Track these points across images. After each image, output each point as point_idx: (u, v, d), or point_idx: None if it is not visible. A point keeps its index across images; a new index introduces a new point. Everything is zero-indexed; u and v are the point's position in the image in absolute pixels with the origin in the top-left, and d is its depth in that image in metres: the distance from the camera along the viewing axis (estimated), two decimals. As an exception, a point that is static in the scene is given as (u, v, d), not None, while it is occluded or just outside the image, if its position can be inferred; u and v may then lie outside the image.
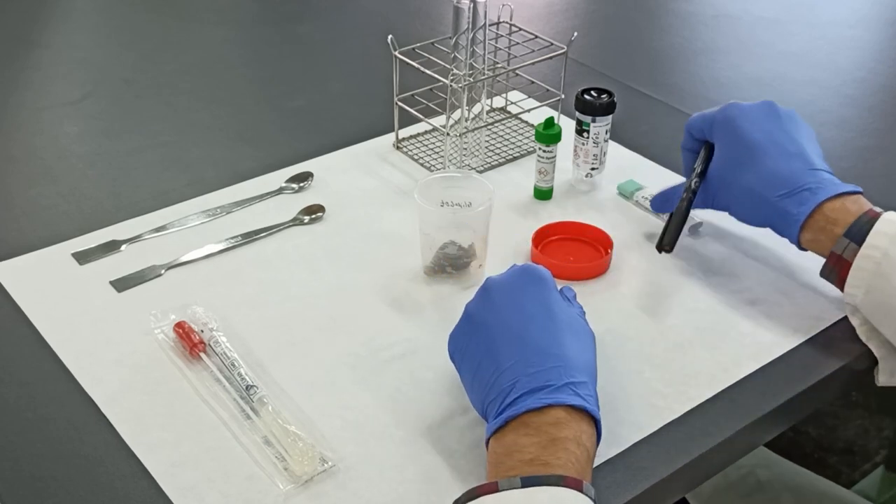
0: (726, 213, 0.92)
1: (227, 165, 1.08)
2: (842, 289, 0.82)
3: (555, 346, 0.69)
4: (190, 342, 0.80)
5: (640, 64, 1.34)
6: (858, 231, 0.80)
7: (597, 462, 0.72)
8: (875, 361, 0.83)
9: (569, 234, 0.95)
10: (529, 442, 0.65)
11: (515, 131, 1.14)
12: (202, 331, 0.81)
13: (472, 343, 0.72)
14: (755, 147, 0.87)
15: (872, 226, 0.80)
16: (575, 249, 0.94)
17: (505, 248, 0.94)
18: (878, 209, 0.82)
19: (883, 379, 0.83)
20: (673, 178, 1.02)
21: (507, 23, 1.11)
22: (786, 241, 0.86)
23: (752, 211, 0.88)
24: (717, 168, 0.89)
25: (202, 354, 0.80)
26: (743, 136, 0.88)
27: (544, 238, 0.94)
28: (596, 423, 0.68)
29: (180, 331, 0.81)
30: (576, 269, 0.90)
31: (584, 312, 0.78)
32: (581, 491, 0.62)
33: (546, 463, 0.63)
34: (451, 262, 0.88)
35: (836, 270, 0.82)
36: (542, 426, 0.65)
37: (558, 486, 0.61)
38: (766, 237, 0.97)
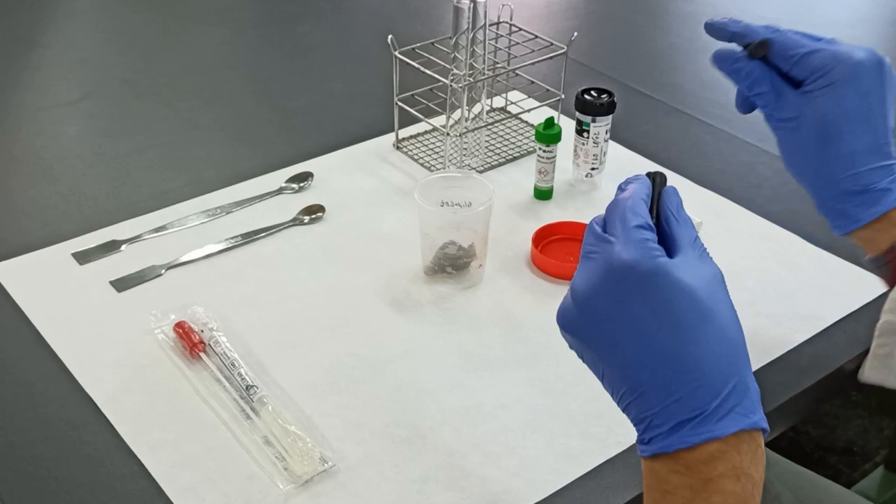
0: (725, 210, 0.90)
1: (227, 165, 1.08)
2: (891, 285, 0.78)
3: (691, 356, 0.57)
4: (190, 342, 0.80)
5: (640, 64, 1.34)
6: None
7: (595, 462, 0.73)
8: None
9: (568, 234, 0.95)
10: (681, 483, 0.57)
11: (515, 131, 1.14)
12: (202, 331, 0.81)
13: (591, 336, 0.60)
14: (853, 114, 0.77)
15: None
16: (575, 249, 0.94)
17: (505, 249, 0.94)
18: None
19: (867, 375, 0.80)
20: (673, 178, 1.01)
21: (507, 23, 1.11)
22: (786, 241, 0.85)
23: (819, 184, 0.78)
24: (804, 111, 0.78)
25: (202, 354, 0.80)
26: (846, 97, 0.77)
27: (544, 238, 0.94)
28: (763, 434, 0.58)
29: (180, 331, 0.81)
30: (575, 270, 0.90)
31: (702, 249, 0.61)
32: None
33: None
34: (451, 262, 0.88)
35: (892, 264, 0.77)
36: (693, 465, 0.56)
37: None
38: (766, 237, 0.97)
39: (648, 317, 0.57)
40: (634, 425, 0.58)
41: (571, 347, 0.62)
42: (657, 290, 0.57)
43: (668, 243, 0.60)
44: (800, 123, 0.78)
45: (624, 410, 0.59)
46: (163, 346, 0.82)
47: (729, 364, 0.58)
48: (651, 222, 0.61)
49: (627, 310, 0.57)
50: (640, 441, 0.58)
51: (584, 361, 0.62)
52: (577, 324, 0.61)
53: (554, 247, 0.94)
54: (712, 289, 0.60)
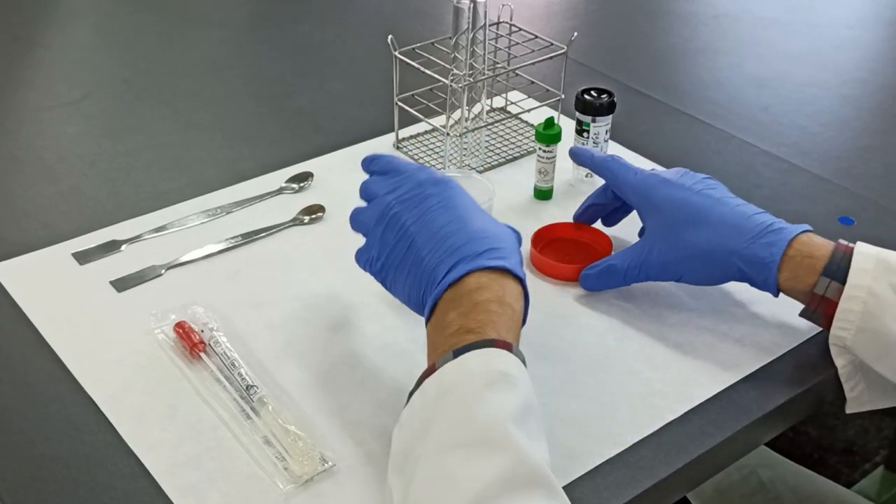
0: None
1: (227, 165, 1.08)
2: (828, 328, 0.80)
3: (468, 225, 0.72)
4: (190, 342, 0.80)
5: (640, 64, 1.34)
6: (837, 268, 0.78)
7: (595, 462, 0.73)
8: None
9: (568, 235, 0.95)
10: (454, 315, 0.68)
11: (515, 131, 1.14)
12: (202, 331, 0.81)
13: (391, 252, 0.75)
14: (700, 206, 0.83)
15: (849, 262, 0.78)
16: (573, 250, 0.94)
17: (505, 248, 0.94)
18: (844, 242, 0.80)
19: (852, 407, 0.83)
20: (673, 178, 1.02)
21: (507, 23, 1.11)
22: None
23: (714, 269, 0.83)
24: (658, 238, 0.85)
25: (202, 354, 0.80)
26: (676, 199, 0.84)
27: (543, 239, 0.94)
28: (521, 284, 0.71)
29: (180, 331, 0.81)
30: (575, 270, 0.90)
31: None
32: (510, 352, 0.65)
33: (469, 330, 0.66)
34: None
35: (821, 310, 0.80)
36: (463, 296, 0.68)
37: (489, 347, 0.64)
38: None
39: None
40: (426, 301, 0.71)
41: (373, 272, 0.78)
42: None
43: None
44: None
45: (422, 299, 0.72)
46: (163, 346, 0.82)
47: (502, 234, 0.73)
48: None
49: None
50: (425, 316, 0.71)
51: (390, 284, 0.77)
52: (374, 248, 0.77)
53: (553, 248, 0.94)
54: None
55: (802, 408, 0.83)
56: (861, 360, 0.79)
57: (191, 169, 1.07)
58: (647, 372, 0.81)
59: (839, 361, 0.81)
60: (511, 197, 1.02)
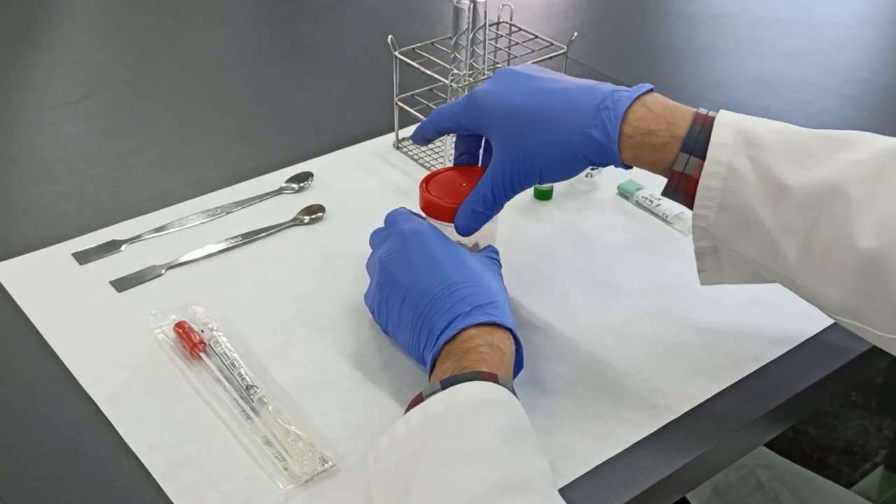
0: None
1: (227, 165, 1.08)
2: (690, 206, 0.76)
3: (456, 283, 0.73)
4: (190, 342, 0.80)
5: (640, 64, 1.34)
6: (695, 142, 0.73)
7: (595, 462, 0.73)
8: (876, 351, 0.83)
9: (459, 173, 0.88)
10: (449, 364, 0.69)
11: (515, 131, 1.14)
12: (202, 331, 0.81)
13: (385, 306, 0.78)
14: (526, 107, 0.78)
15: (709, 135, 0.73)
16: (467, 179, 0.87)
17: (505, 249, 0.94)
18: (704, 111, 0.76)
19: (704, 279, 0.81)
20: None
21: (507, 23, 1.11)
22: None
23: (564, 164, 0.78)
24: (503, 155, 0.79)
25: (202, 354, 0.80)
26: (505, 108, 0.79)
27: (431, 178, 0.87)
28: (512, 333, 0.72)
29: (180, 331, 0.81)
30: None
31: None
32: (497, 383, 0.66)
33: (461, 368, 0.68)
34: None
35: (682, 188, 0.75)
36: (457, 349, 0.70)
37: (475, 380, 0.66)
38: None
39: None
40: (426, 364, 0.73)
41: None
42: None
43: None
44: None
45: (423, 358, 0.74)
46: (163, 345, 0.82)
47: (488, 286, 0.74)
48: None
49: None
50: (428, 372, 0.72)
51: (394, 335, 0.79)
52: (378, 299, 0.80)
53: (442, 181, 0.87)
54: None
55: (802, 408, 0.83)
56: (721, 242, 0.77)
57: (191, 169, 1.07)
58: (647, 372, 0.81)
59: (700, 243, 0.78)
60: (511, 197, 1.02)
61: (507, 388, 0.67)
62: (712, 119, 0.74)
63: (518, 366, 0.74)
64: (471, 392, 0.65)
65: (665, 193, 0.77)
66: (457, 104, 0.83)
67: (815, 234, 0.71)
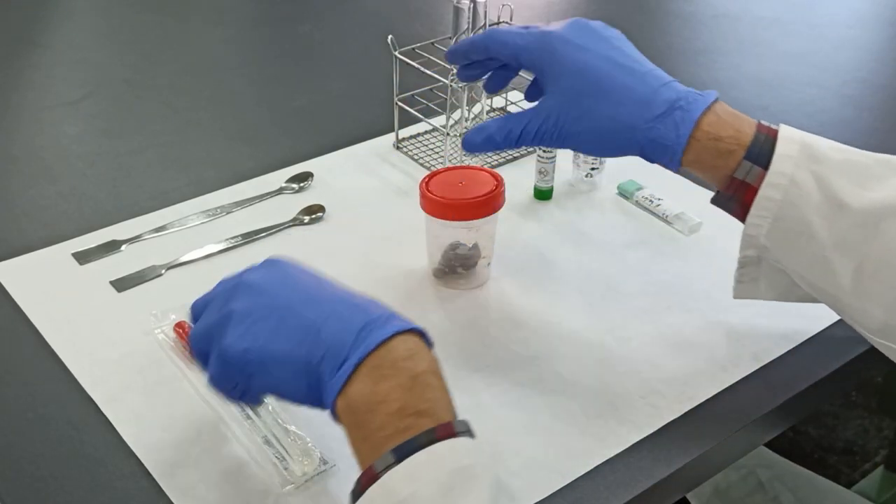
0: (724, 215, 0.90)
1: (227, 165, 1.08)
2: (742, 217, 0.75)
3: (352, 293, 0.64)
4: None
5: (640, 64, 1.34)
6: (759, 152, 0.73)
7: (596, 462, 0.73)
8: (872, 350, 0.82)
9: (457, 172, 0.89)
10: (389, 386, 0.58)
11: (515, 131, 1.14)
12: None
13: (266, 333, 0.62)
14: (601, 74, 0.77)
15: (773, 146, 0.73)
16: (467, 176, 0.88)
17: (505, 249, 0.94)
18: (766, 123, 0.76)
19: (739, 291, 0.81)
20: (673, 178, 1.02)
21: (507, 23, 1.11)
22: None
23: (614, 145, 0.77)
24: (556, 105, 0.77)
25: None
26: (578, 64, 0.77)
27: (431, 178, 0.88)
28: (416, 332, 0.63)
29: (180, 331, 0.81)
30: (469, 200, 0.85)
31: None
32: (455, 433, 0.57)
33: (417, 412, 0.57)
34: (461, 263, 0.88)
35: (739, 196, 0.75)
36: (398, 363, 0.59)
37: (432, 443, 0.56)
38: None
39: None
40: (327, 370, 0.60)
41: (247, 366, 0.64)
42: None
43: None
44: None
45: (317, 370, 0.61)
46: (163, 346, 0.82)
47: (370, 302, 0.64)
48: None
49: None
50: (334, 372, 0.59)
51: (268, 371, 0.63)
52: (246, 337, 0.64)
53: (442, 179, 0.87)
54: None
55: (802, 408, 0.83)
56: (769, 254, 0.76)
57: (191, 169, 1.07)
58: (647, 372, 0.81)
59: (746, 251, 0.77)
60: (511, 197, 1.02)
61: (466, 427, 0.59)
62: (775, 131, 0.74)
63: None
64: (437, 464, 0.56)
65: (716, 201, 0.77)
66: (520, 36, 0.79)
67: (868, 252, 0.71)
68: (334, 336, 0.60)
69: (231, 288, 0.65)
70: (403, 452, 0.56)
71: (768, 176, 0.72)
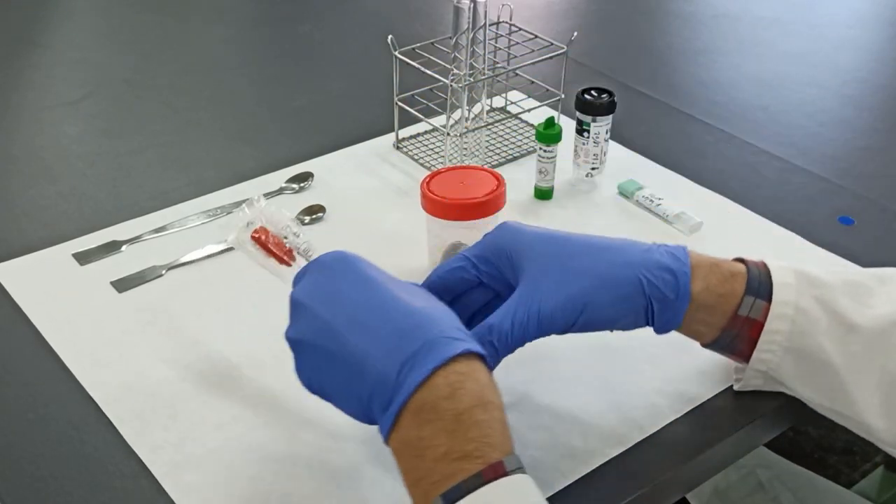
0: (726, 210, 0.89)
1: (227, 165, 1.08)
2: (747, 355, 0.73)
3: (401, 308, 0.60)
4: (280, 250, 0.74)
5: (640, 64, 1.34)
6: (759, 284, 0.70)
7: (597, 462, 0.72)
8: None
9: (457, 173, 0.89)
10: (433, 430, 0.56)
11: (515, 131, 1.14)
12: (285, 237, 0.74)
13: (320, 362, 0.62)
14: (583, 239, 0.71)
15: (769, 276, 0.71)
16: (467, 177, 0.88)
17: (505, 248, 0.94)
18: (745, 258, 0.73)
19: (740, 384, 0.78)
20: (673, 178, 1.02)
21: (507, 23, 1.11)
22: (786, 240, 0.84)
23: (618, 292, 0.68)
24: (541, 280, 0.68)
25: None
26: (558, 238, 0.71)
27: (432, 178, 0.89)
28: (483, 360, 0.60)
29: (257, 237, 0.74)
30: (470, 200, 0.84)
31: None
32: (505, 473, 0.55)
33: (463, 455, 0.55)
34: None
35: (744, 334, 0.71)
36: (439, 404, 0.57)
37: (480, 486, 0.55)
38: (766, 237, 0.97)
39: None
40: (376, 407, 0.59)
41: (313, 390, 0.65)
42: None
43: None
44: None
45: (369, 405, 0.60)
46: (164, 345, 0.82)
47: (439, 310, 0.61)
48: None
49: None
50: (382, 410, 0.58)
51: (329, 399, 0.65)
52: (308, 363, 0.65)
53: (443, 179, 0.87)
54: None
55: (802, 408, 0.83)
56: (775, 386, 0.75)
57: (191, 169, 1.07)
58: (648, 371, 0.81)
59: (752, 382, 0.75)
60: (511, 197, 1.02)
61: (519, 464, 0.57)
62: (763, 262, 0.72)
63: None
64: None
65: (713, 345, 0.73)
66: (468, 250, 0.72)
67: (886, 369, 0.69)
68: (378, 372, 0.58)
69: (290, 305, 0.66)
70: (451, 499, 0.55)
71: (773, 307, 0.70)
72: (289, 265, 0.73)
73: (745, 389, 0.78)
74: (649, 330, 0.85)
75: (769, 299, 0.70)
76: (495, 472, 0.55)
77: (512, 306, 0.67)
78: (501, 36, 1.11)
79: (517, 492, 0.56)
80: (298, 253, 0.73)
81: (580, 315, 0.67)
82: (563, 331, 0.69)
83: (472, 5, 0.98)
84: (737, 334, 0.72)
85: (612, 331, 0.71)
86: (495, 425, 0.57)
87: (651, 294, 0.68)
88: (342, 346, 0.61)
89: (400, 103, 1.08)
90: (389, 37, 1.03)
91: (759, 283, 0.70)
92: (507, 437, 0.58)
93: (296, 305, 0.65)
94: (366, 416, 0.62)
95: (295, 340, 0.65)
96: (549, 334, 0.69)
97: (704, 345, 0.74)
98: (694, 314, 0.70)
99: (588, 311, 0.67)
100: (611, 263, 0.68)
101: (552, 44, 1.08)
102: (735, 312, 0.70)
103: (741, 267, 0.71)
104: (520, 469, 0.57)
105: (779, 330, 0.70)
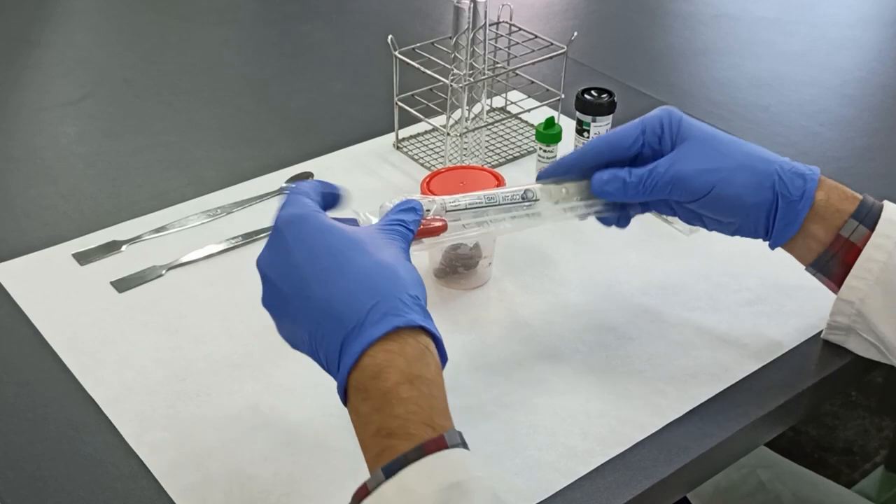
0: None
1: (227, 165, 1.08)
2: (840, 280, 0.75)
3: (339, 280, 0.60)
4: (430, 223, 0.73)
5: (640, 64, 1.34)
6: (867, 214, 0.74)
7: (597, 462, 0.73)
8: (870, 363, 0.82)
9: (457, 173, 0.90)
10: (367, 409, 0.58)
11: (515, 131, 1.14)
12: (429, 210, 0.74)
13: (290, 330, 0.64)
14: (730, 137, 0.78)
15: (880, 210, 0.74)
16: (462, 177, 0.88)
17: (505, 249, 0.94)
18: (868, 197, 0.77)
19: (828, 333, 0.81)
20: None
21: (507, 23, 1.11)
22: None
23: (751, 178, 0.75)
24: (688, 149, 0.76)
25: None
26: (709, 129, 0.78)
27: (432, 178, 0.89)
28: (425, 330, 0.61)
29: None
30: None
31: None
32: (442, 446, 0.56)
33: (390, 433, 0.57)
34: (462, 263, 0.88)
35: (841, 255, 0.75)
36: (367, 384, 0.58)
37: (419, 459, 0.56)
38: (766, 237, 0.97)
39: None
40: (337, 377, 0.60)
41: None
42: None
43: None
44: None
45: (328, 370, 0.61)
46: (164, 345, 0.82)
47: (368, 288, 0.60)
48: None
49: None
50: (340, 395, 0.60)
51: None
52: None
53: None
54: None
55: (802, 408, 0.83)
56: (860, 322, 0.76)
57: (191, 169, 1.07)
58: (648, 371, 0.81)
59: (836, 317, 0.78)
60: (511, 197, 1.02)
61: (458, 442, 0.57)
62: (884, 201, 0.76)
63: (442, 359, 0.63)
64: (428, 480, 0.55)
65: (813, 266, 0.77)
66: (640, 119, 0.79)
67: None
68: (326, 349, 0.60)
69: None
70: (392, 468, 0.56)
71: (874, 237, 0.73)
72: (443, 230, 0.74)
73: (832, 337, 0.79)
74: (649, 330, 0.85)
75: (873, 228, 0.73)
76: (437, 443, 0.56)
77: (656, 162, 0.75)
78: (501, 36, 1.11)
79: (447, 468, 0.56)
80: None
81: (712, 188, 0.74)
82: (690, 198, 0.75)
83: (472, 5, 0.98)
84: (834, 254, 0.75)
85: (731, 234, 0.78)
86: (423, 402, 0.58)
87: (780, 190, 0.74)
88: (300, 317, 0.62)
89: (400, 103, 1.08)
90: (389, 37, 1.03)
91: (868, 211, 0.74)
92: (438, 412, 0.58)
93: (263, 276, 0.65)
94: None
95: (266, 306, 0.65)
96: (677, 198, 0.76)
97: (807, 265, 0.77)
98: (809, 225, 0.75)
99: (720, 187, 0.74)
100: (751, 155, 0.75)
101: (552, 44, 1.08)
102: (838, 232, 0.74)
103: (859, 195, 0.76)
104: (458, 445, 0.57)
105: (874, 258, 0.73)
